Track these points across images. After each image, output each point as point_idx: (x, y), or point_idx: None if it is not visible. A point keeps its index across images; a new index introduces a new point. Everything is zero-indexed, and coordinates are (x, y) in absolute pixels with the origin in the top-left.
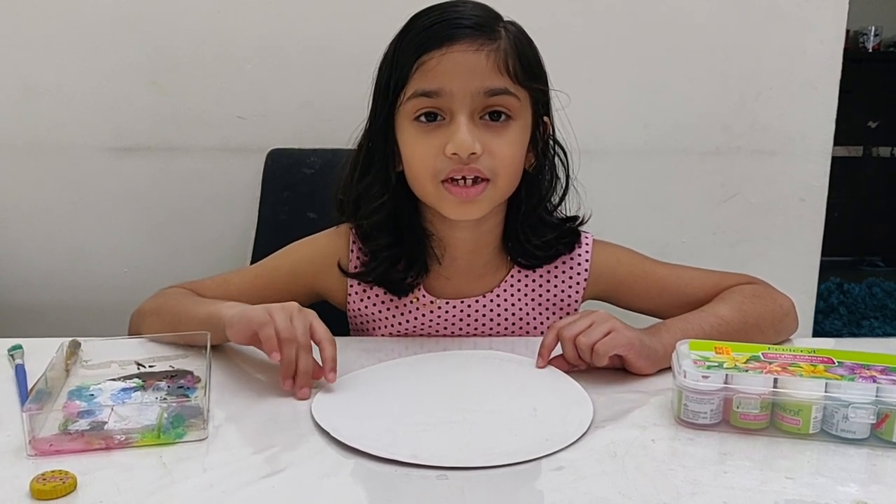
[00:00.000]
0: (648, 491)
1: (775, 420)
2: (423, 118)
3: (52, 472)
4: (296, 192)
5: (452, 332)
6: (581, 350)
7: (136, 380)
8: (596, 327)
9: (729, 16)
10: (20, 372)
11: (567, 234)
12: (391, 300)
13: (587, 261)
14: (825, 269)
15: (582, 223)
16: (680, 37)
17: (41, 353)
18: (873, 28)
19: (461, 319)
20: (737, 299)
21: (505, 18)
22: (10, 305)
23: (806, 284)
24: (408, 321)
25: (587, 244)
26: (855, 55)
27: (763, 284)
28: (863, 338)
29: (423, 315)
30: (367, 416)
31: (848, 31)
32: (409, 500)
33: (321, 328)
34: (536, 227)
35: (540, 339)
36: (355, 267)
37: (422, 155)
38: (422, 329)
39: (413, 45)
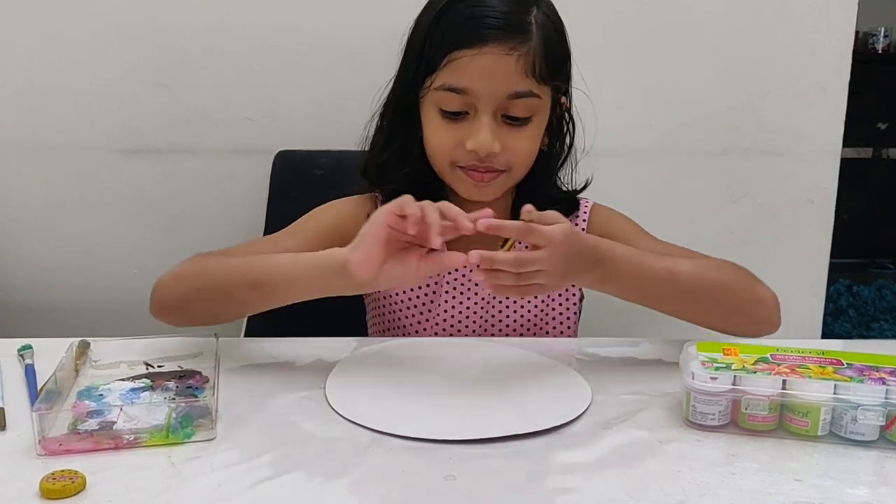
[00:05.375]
0: (656, 492)
1: (784, 422)
2: (447, 112)
3: (62, 471)
4: (304, 193)
5: (469, 297)
6: (505, 274)
7: (144, 380)
8: (532, 275)
9: (737, 16)
10: (30, 372)
11: (567, 202)
12: None
13: (584, 221)
14: (834, 271)
15: (585, 187)
16: (688, 37)
17: (51, 354)
18: (883, 29)
19: (477, 285)
20: (705, 265)
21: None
22: (19, 306)
23: (815, 286)
24: (427, 285)
25: (586, 207)
26: (864, 56)
27: (747, 272)
28: (872, 340)
29: (441, 285)
30: (382, 397)
31: (857, 33)
32: (416, 500)
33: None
34: (543, 200)
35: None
36: None
37: (442, 144)
38: (441, 291)
39: (446, 38)
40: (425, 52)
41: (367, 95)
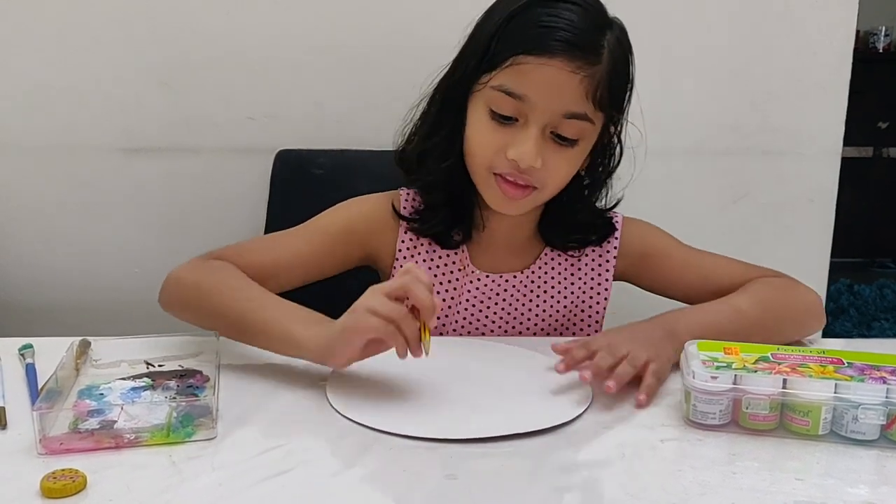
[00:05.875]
0: (657, 492)
1: (784, 421)
2: (497, 114)
3: (63, 470)
4: (304, 192)
5: (489, 307)
6: (624, 375)
7: (145, 379)
8: (635, 356)
9: (739, 16)
10: (30, 371)
11: (601, 228)
12: (437, 266)
13: (616, 238)
14: (835, 271)
15: (616, 205)
16: (689, 37)
17: (51, 353)
18: (883, 28)
19: (498, 294)
20: (759, 291)
21: (611, 17)
22: (20, 305)
23: (816, 286)
24: (446, 290)
25: (617, 223)
26: (865, 56)
27: (789, 279)
28: (873, 339)
29: (463, 285)
30: (382, 396)
31: (858, 32)
32: (416, 500)
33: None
34: (573, 221)
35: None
36: (408, 224)
37: (484, 147)
38: (463, 299)
39: (517, 38)
40: (492, 46)
41: (367, 95)
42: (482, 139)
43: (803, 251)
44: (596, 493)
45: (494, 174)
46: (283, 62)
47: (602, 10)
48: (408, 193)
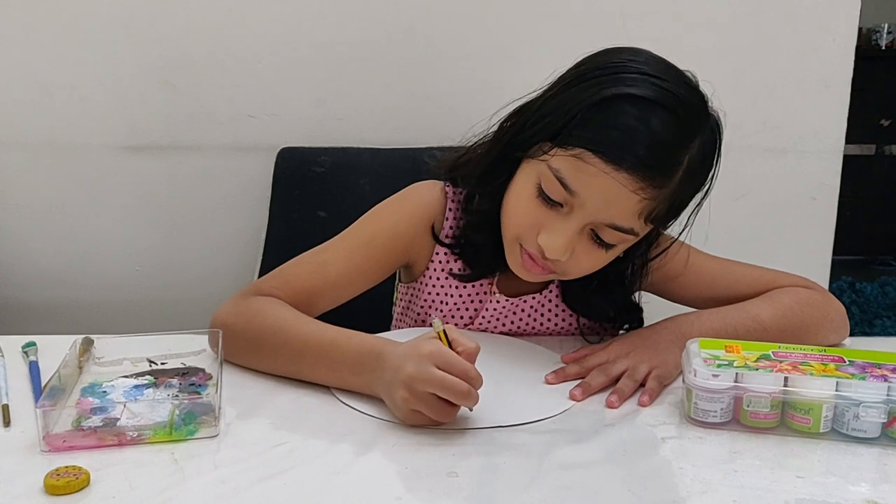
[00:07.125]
0: (658, 489)
1: (786, 419)
2: (545, 195)
3: (66, 467)
4: (306, 190)
5: (504, 324)
6: (625, 389)
7: (148, 377)
8: (635, 369)
9: (740, 13)
10: (34, 369)
11: (622, 315)
12: (464, 287)
13: None
14: (837, 268)
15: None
16: (691, 34)
17: (54, 350)
18: (886, 26)
19: (514, 314)
20: (784, 302)
21: (709, 113)
22: (23, 303)
23: (818, 283)
24: (467, 309)
25: None
26: (868, 53)
27: (820, 292)
28: (874, 337)
29: (483, 303)
30: None
31: (860, 29)
32: (417, 498)
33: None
34: (593, 297)
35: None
36: (450, 227)
37: (519, 218)
38: (479, 316)
39: (594, 131)
40: (568, 125)
41: (369, 92)
42: (520, 210)
43: (805, 249)
44: (597, 492)
45: (521, 245)
46: (284, 60)
47: (697, 114)
48: (454, 192)
